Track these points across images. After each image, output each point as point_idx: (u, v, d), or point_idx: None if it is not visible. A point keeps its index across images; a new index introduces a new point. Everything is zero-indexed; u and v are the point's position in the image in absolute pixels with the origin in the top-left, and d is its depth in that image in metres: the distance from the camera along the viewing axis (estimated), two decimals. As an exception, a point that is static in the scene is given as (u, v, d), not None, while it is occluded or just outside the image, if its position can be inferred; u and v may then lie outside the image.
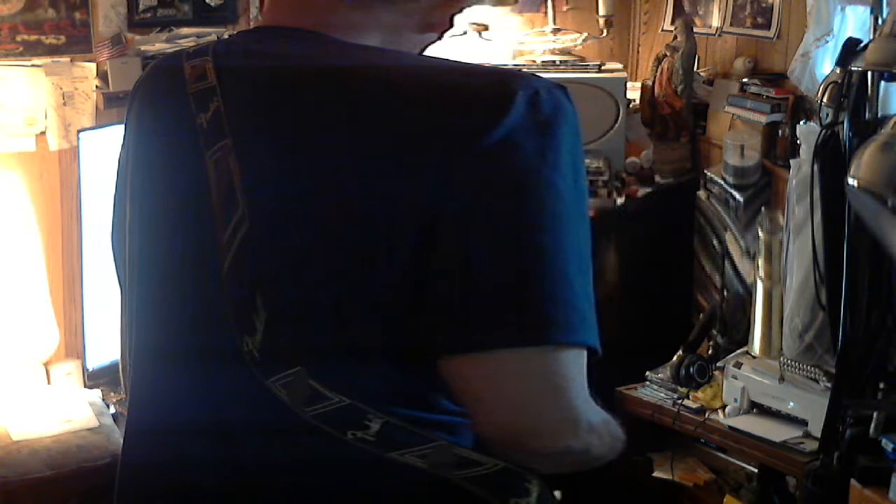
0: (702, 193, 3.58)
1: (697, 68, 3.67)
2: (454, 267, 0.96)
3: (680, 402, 3.13)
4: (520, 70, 1.04)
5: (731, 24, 3.57)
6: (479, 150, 0.95)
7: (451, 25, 1.13)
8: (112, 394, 2.98)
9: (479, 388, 0.97)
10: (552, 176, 0.96)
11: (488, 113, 0.96)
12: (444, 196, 0.95)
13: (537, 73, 1.08)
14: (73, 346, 3.05)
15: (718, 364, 3.12)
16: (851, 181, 2.28)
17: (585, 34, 3.76)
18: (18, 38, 2.88)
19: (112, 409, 2.90)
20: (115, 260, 1.23)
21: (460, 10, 1.13)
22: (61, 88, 2.92)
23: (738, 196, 3.41)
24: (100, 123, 2.97)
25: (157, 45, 3.06)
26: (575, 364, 0.98)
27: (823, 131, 2.68)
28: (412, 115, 0.98)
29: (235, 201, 1.01)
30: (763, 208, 3.18)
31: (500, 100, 0.97)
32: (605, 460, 1.05)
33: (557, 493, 1.09)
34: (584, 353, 0.99)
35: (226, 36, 2.97)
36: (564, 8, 3.85)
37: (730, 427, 3.01)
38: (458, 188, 0.95)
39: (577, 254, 0.98)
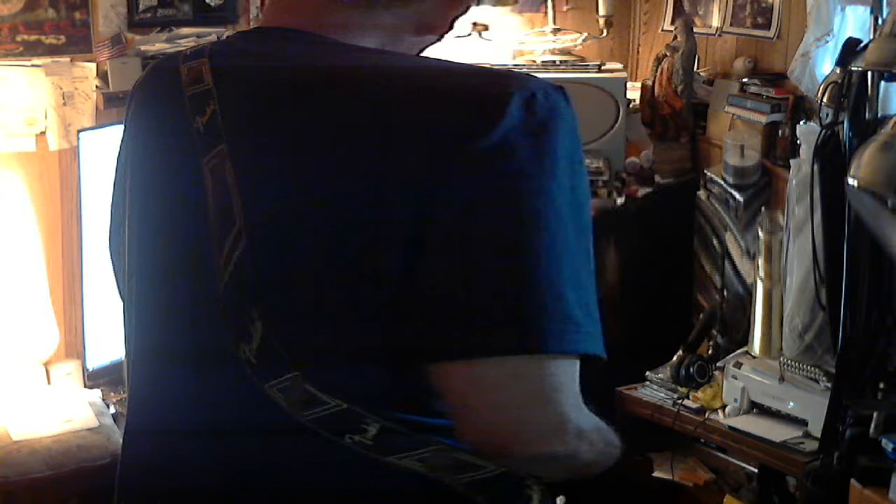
0: (702, 193, 3.58)
1: (697, 68, 3.67)
2: (444, 272, 0.95)
3: (680, 402, 3.13)
4: (517, 71, 1.03)
5: (731, 24, 3.57)
6: (472, 153, 0.94)
7: (451, 28, 1.12)
8: (112, 394, 2.98)
9: (466, 394, 0.96)
10: (547, 181, 0.95)
11: (483, 115, 0.95)
12: (437, 200, 0.94)
13: (536, 74, 1.07)
14: (73, 346, 3.05)
15: (718, 364, 3.12)
16: (851, 181, 2.28)
17: (585, 34, 3.76)
18: (18, 38, 2.88)
19: (112, 409, 2.90)
20: (114, 270, 1.22)
21: (462, 13, 1.12)
22: (61, 88, 2.92)
23: (738, 196, 3.41)
24: (100, 123, 2.96)
25: (157, 45, 3.06)
26: (566, 372, 0.97)
27: (823, 131, 2.68)
28: (408, 117, 0.97)
29: (231, 216, 1.01)
30: (763, 208, 3.19)
31: (495, 102, 0.95)
32: (600, 467, 1.03)
33: (560, 500, 1.08)
34: (577, 360, 0.97)
35: (225, 36, 2.97)
36: (564, 8, 3.85)
37: (730, 427, 3.01)
38: (451, 192, 0.94)
39: (573, 260, 0.96)
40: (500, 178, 0.95)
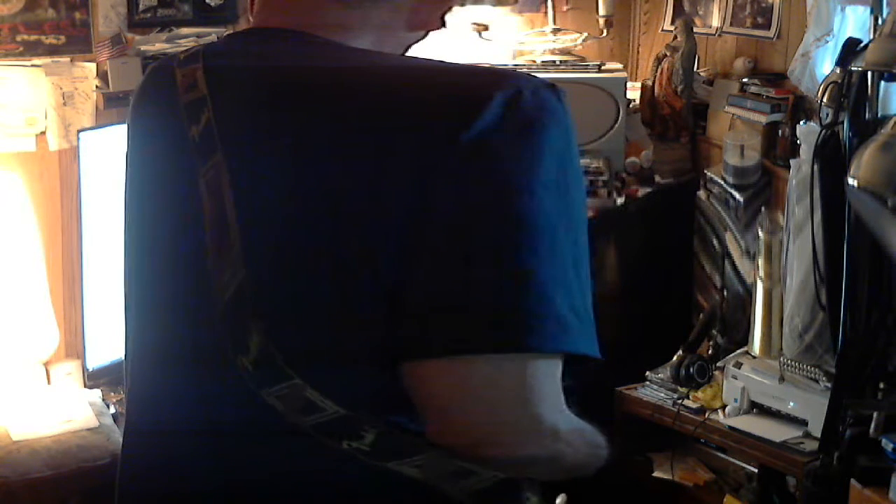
0: (702, 193, 3.58)
1: (697, 68, 3.67)
2: (425, 272, 0.94)
3: (680, 402, 3.13)
4: (509, 70, 1.02)
5: (731, 24, 3.58)
6: (451, 152, 0.94)
7: (443, 24, 1.12)
8: (112, 394, 2.98)
9: (441, 393, 0.95)
10: (532, 180, 0.94)
11: (460, 114, 0.94)
12: (427, 200, 0.94)
13: (536, 74, 1.06)
14: (73, 346, 3.05)
15: (718, 364, 3.12)
16: (851, 181, 2.28)
17: (585, 34, 3.76)
18: (18, 38, 2.88)
19: (112, 409, 2.90)
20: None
21: (449, 9, 1.12)
22: (61, 88, 2.92)
23: (738, 196, 3.41)
24: (100, 123, 2.96)
25: (157, 45, 3.06)
26: (545, 372, 0.95)
27: (823, 131, 2.68)
28: (401, 120, 0.97)
29: (228, 233, 1.00)
30: (763, 208, 3.19)
31: (475, 100, 0.95)
32: (588, 468, 1.02)
33: (561, 498, 1.07)
34: (558, 361, 0.96)
35: (218, 38, 2.97)
36: (564, 8, 3.85)
37: (730, 427, 3.01)
38: (438, 192, 0.94)
39: (560, 259, 0.95)
40: (483, 177, 0.94)
